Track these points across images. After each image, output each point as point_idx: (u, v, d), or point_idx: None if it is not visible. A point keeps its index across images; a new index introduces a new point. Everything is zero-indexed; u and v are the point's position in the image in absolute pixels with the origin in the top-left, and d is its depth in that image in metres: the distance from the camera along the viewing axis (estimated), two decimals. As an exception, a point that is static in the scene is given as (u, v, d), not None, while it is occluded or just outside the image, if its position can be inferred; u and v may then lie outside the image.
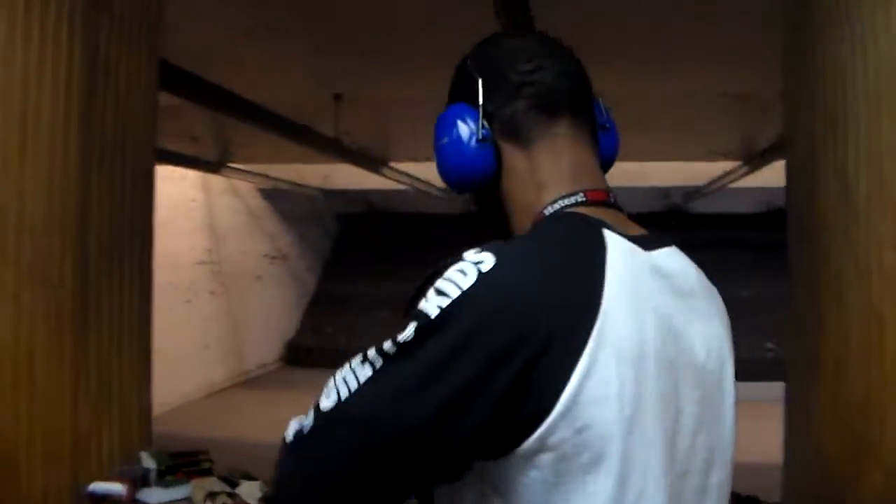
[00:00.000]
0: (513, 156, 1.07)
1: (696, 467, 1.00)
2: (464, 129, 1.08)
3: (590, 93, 1.11)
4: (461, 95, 1.11)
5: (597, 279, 0.93)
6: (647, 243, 1.01)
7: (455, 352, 0.86)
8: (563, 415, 0.86)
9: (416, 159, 8.72)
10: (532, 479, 0.89)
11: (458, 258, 0.92)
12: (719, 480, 1.03)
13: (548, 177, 1.05)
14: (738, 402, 1.09)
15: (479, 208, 1.16)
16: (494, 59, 1.11)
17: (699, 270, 1.09)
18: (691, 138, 6.74)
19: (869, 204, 1.61)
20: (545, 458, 0.88)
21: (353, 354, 0.92)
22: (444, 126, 1.11)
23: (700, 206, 11.20)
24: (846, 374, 1.69)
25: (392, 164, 8.83)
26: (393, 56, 4.84)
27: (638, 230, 1.04)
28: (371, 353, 0.90)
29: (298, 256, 14.09)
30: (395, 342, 0.88)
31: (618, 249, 0.97)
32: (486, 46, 1.14)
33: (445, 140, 1.10)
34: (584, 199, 1.03)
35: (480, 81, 1.08)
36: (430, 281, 0.92)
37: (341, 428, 0.90)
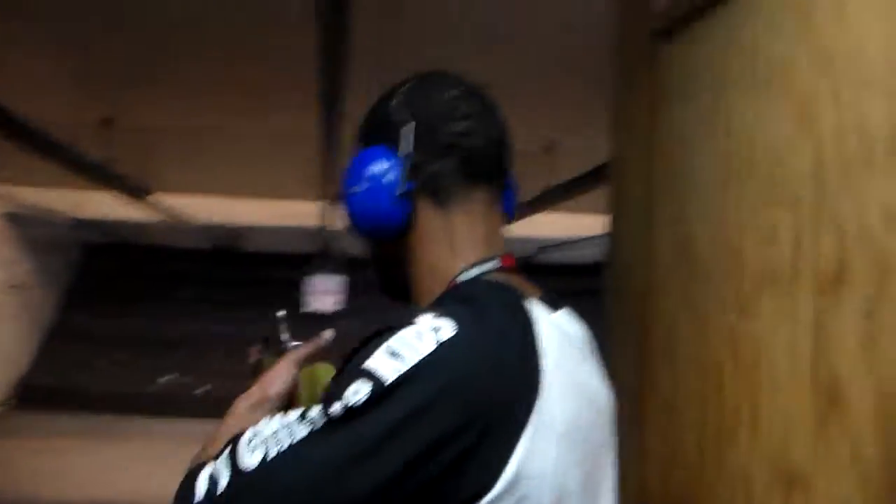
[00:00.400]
0: (428, 214, 1.06)
1: None
2: (386, 178, 1.03)
3: (510, 157, 1.07)
4: (382, 138, 1.06)
5: (535, 355, 0.95)
6: (551, 305, 1.01)
7: (408, 423, 0.84)
8: (505, 490, 0.87)
9: (178, 191, 8.43)
10: None
11: (411, 319, 0.88)
12: None
13: (463, 242, 1.06)
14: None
15: (374, 258, 1.13)
16: (427, 109, 1.06)
17: (581, 324, 1.12)
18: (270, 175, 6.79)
19: (713, 267, 1.64)
20: None
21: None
22: (364, 170, 1.04)
23: (253, 244, 11.50)
24: (676, 428, 1.71)
25: (154, 194, 8.49)
26: (164, 84, 4.60)
27: (538, 291, 1.03)
28: (313, 413, 0.85)
29: (38, 287, 13.07)
30: (344, 405, 0.83)
31: (543, 321, 0.99)
32: (418, 92, 1.08)
33: (364, 186, 1.04)
34: (499, 265, 1.05)
35: (411, 126, 1.03)
36: (379, 337, 0.82)
37: (269, 492, 0.82)
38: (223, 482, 0.84)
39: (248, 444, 0.85)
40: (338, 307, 10.43)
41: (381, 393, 0.84)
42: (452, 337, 0.87)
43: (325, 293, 10.42)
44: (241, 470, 0.83)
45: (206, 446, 1.04)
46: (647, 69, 2.04)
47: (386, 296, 1.16)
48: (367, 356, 0.87)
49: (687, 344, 1.75)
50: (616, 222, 2.15)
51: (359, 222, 1.07)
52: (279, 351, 1.29)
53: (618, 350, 2.07)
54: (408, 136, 1.03)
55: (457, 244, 1.05)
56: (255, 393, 1.12)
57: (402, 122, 1.04)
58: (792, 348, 1.45)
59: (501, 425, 0.86)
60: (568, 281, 12.78)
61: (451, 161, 1.05)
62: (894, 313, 1.24)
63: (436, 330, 0.88)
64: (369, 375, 0.85)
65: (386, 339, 0.88)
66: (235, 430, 0.96)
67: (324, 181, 5.26)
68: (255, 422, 0.90)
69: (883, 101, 1.28)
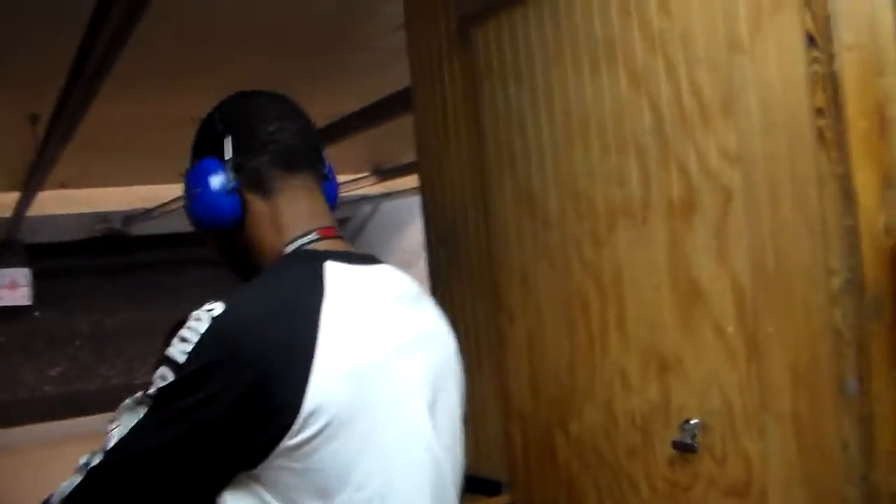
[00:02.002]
0: (257, 204, 1.25)
1: (452, 440, 1.29)
2: (215, 180, 1.24)
3: (320, 149, 1.35)
4: (209, 149, 1.27)
5: (317, 309, 1.14)
6: (364, 261, 1.28)
7: (201, 385, 1.06)
8: (306, 422, 1.07)
9: None
10: (287, 469, 1.09)
11: (197, 309, 1.10)
12: (460, 450, 1.33)
13: (287, 220, 1.25)
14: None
15: (224, 253, 1.33)
16: (241, 117, 1.28)
17: (409, 278, 1.37)
18: (166, 161, 6.75)
19: (564, 214, 2.01)
20: (295, 454, 1.08)
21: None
22: (197, 177, 1.26)
23: (141, 229, 11.12)
24: (542, 349, 2.07)
25: None
26: None
27: (349, 252, 1.27)
28: (139, 396, 1.10)
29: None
30: (157, 388, 1.08)
31: (337, 276, 1.19)
32: (232, 105, 1.31)
33: (199, 190, 1.25)
34: (318, 236, 1.25)
35: (229, 137, 1.25)
36: (175, 330, 1.10)
37: (121, 463, 1.10)
38: (95, 461, 1.11)
39: (111, 432, 1.11)
40: (26, 300, 9.62)
41: (178, 372, 1.07)
42: (222, 313, 1.08)
43: (12, 286, 9.54)
44: (108, 451, 1.10)
45: None
46: (459, 52, 2.36)
47: (244, 280, 1.33)
48: (167, 345, 1.10)
49: (546, 279, 2.12)
50: (434, 192, 2.46)
51: (199, 220, 1.28)
52: None
53: (462, 294, 2.39)
54: (228, 144, 1.24)
55: (281, 224, 1.25)
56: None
57: (223, 133, 1.26)
58: (651, 265, 1.87)
59: (287, 370, 1.07)
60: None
61: (267, 156, 1.25)
62: (737, 230, 1.69)
63: (209, 311, 1.08)
64: (167, 360, 1.08)
65: (180, 328, 1.09)
66: None
67: (28, 173, 4.94)
68: None
69: (710, 73, 1.72)
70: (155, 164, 5.89)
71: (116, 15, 2.48)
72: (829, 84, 1.51)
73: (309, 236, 1.25)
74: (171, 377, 1.08)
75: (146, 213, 7.95)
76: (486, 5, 2.20)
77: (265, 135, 1.27)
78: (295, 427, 1.07)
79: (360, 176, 8.01)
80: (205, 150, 1.30)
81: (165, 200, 6.95)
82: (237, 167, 1.25)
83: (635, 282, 1.91)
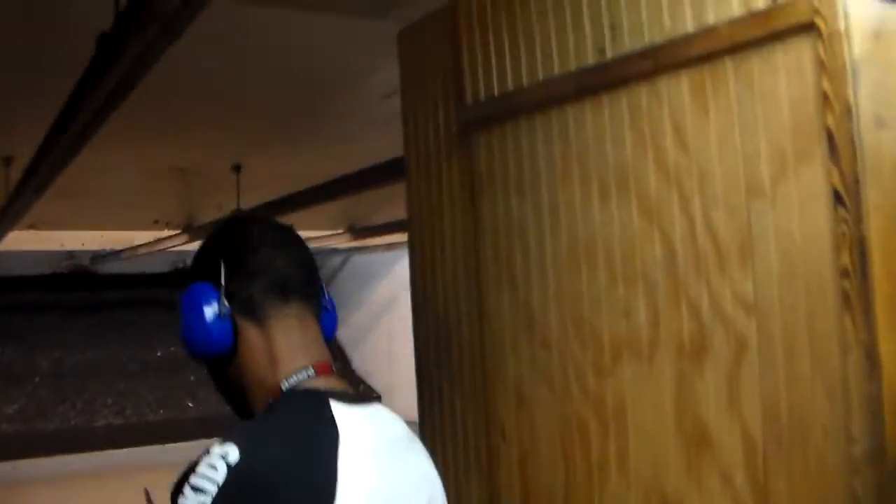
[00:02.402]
0: (249, 331, 1.23)
1: None
2: (208, 306, 1.21)
3: (317, 279, 1.32)
4: (205, 274, 1.25)
5: (331, 456, 1.11)
6: (360, 400, 1.25)
7: None
8: None
9: None
10: None
11: (206, 452, 1.04)
12: None
13: (281, 352, 1.22)
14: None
15: (217, 381, 1.30)
16: (236, 245, 1.27)
17: (400, 419, 1.34)
18: (141, 208, 6.72)
19: (565, 338, 1.95)
20: None
21: None
22: (191, 302, 1.23)
23: (108, 269, 11.03)
24: (536, 471, 2.01)
25: None
26: None
27: (352, 389, 1.28)
28: None
29: None
30: None
31: (345, 417, 1.17)
32: (228, 232, 1.31)
33: (192, 315, 1.22)
34: (313, 372, 1.21)
35: (223, 264, 1.23)
36: (186, 476, 1.04)
37: None
38: None
39: None
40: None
41: None
42: (239, 460, 1.03)
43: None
44: None
45: None
46: (459, 153, 2.31)
47: (240, 417, 1.31)
48: (176, 495, 1.04)
49: (542, 401, 2.06)
50: (426, 288, 2.40)
51: (191, 346, 1.25)
52: None
53: (452, 401, 2.33)
54: (222, 270, 1.22)
55: (276, 356, 1.22)
56: None
57: (217, 260, 1.24)
58: (656, 403, 1.81)
59: None
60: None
61: (260, 283, 1.23)
62: (750, 379, 1.64)
63: (224, 456, 1.03)
64: None
65: (189, 476, 1.04)
66: None
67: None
68: None
69: (728, 214, 1.68)
70: (130, 211, 5.80)
71: (111, 81, 2.40)
72: (855, 246, 1.47)
73: (306, 371, 1.22)
74: None
75: (114, 254, 7.83)
76: (488, 114, 2.15)
77: (261, 261, 1.26)
78: None
79: (334, 233, 8.02)
80: (200, 274, 1.28)
81: (136, 244, 6.86)
82: (231, 294, 1.23)
83: (639, 417, 1.85)
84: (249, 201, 5.32)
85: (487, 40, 2.15)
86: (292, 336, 1.25)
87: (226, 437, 1.08)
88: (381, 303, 12.52)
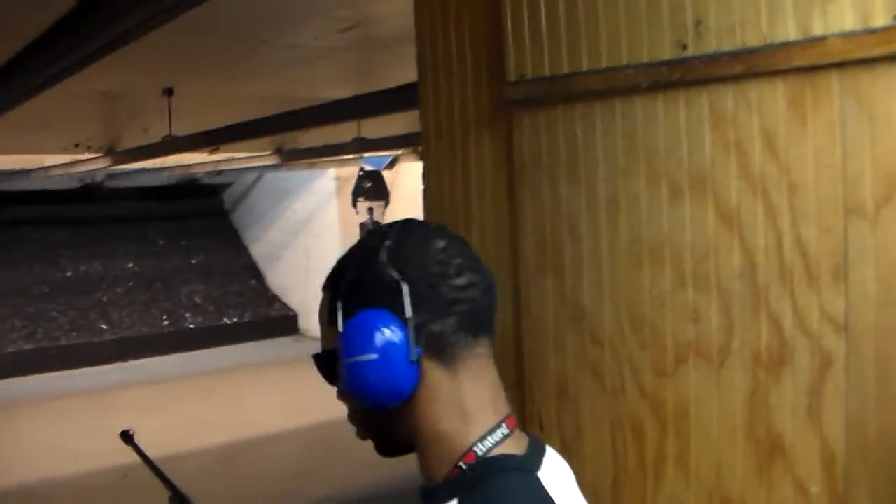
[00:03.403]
0: (436, 376, 1.03)
1: None
2: (394, 345, 1.00)
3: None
4: (378, 300, 1.02)
5: None
6: (541, 450, 1.10)
7: None
8: None
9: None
10: None
11: None
12: None
13: (473, 405, 1.04)
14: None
15: (371, 424, 1.10)
16: (421, 266, 1.03)
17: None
18: (60, 133, 6.17)
19: (621, 335, 1.93)
20: None
21: None
22: (367, 338, 1.01)
23: (14, 185, 10.27)
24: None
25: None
26: None
27: (534, 440, 1.10)
28: None
29: None
30: None
31: (553, 489, 1.05)
32: (405, 248, 1.05)
33: (372, 356, 1.00)
34: (508, 431, 1.04)
35: (407, 288, 1.01)
36: None
37: None
38: None
39: None
40: None
41: None
42: None
43: None
44: None
45: None
46: (493, 131, 2.20)
47: (384, 456, 1.13)
48: None
49: (590, 396, 2.04)
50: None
51: (368, 392, 1.03)
52: None
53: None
54: (407, 298, 1.00)
55: (468, 409, 1.03)
56: None
57: (398, 283, 1.01)
58: (725, 409, 1.82)
59: None
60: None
61: (453, 318, 1.02)
62: (834, 394, 1.67)
63: None
64: None
65: None
66: None
67: None
68: None
69: (821, 232, 1.67)
70: (50, 136, 5.32)
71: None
72: (971, 282, 1.49)
73: (499, 432, 1.03)
74: None
75: (23, 172, 7.27)
76: (537, 94, 2.04)
77: (452, 290, 1.02)
78: None
79: (261, 154, 7.63)
80: (365, 298, 1.03)
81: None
82: (416, 328, 1.00)
83: (704, 420, 1.86)
84: (181, 128, 4.94)
85: (538, 15, 2.02)
86: (484, 384, 1.05)
87: None
88: (298, 220, 12.22)
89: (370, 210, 9.66)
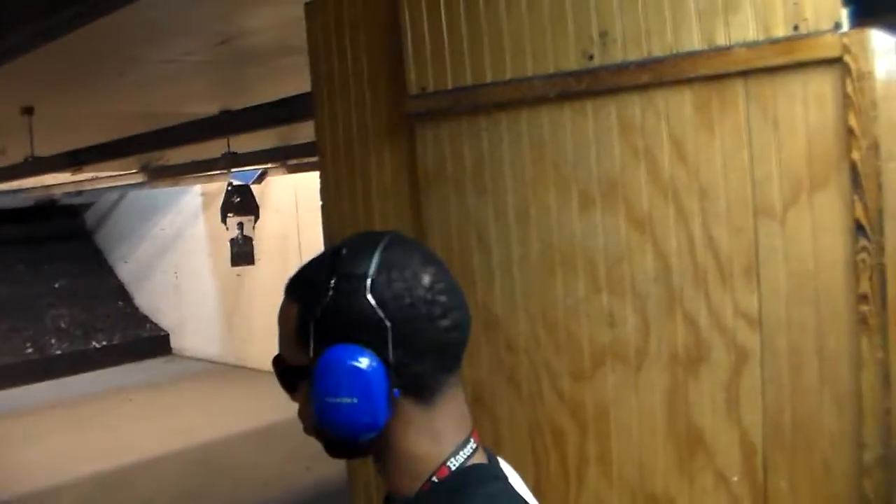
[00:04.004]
0: (411, 409, 1.03)
1: None
2: (373, 387, 0.98)
3: None
4: (357, 335, 0.99)
5: None
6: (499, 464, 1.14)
7: None
8: None
9: None
10: None
11: None
12: None
13: (443, 427, 1.05)
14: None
15: (338, 449, 1.10)
16: (408, 305, 1.00)
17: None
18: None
19: (537, 342, 1.97)
20: None
21: None
22: (346, 379, 0.98)
23: None
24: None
25: None
26: None
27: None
28: None
29: None
30: None
31: (522, 491, 1.10)
32: (392, 279, 1.01)
33: (350, 400, 0.98)
34: (475, 445, 1.07)
35: (390, 328, 0.98)
36: None
37: None
38: None
39: None
40: None
41: None
42: None
43: None
44: None
45: None
46: (393, 143, 2.18)
47: (332, 457, 1.12)
48: None
49: (507, 404, 2.06)
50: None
51: (338, 430, 1.01)
52: None
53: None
54: (388, 338, 0.98)
55: (439, 431, 1.05)
56: None
57: (382, 323, 0.98)
58: (644, 409, 1.87)
59: None
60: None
61: (433, 360, 1.01)
62: (751, 388, 1.74)
63: None
64: None
65: None
66: None
67: None
68: None
69: (732, 233, 1.73)
70: None
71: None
72: (876, 274, 1.57)
73: (468, 446, 1.06)
74: None
75: None
76: (440, 107, 2.04)
77: (437, 332, 1.01)
78: None
79: (127, 172, 7.29)
80: (345, 330, 0.99)
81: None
82: (396, 367, 0.99)
83: (624, 421, 1.90)
84: (43, 148, 4.66)
85: (439, 27, 2.02)
86: (454, 408, 1.07)
87: None
88: (165, 238, 11.77)
89: (240, 225, 9.44)
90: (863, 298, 1.60)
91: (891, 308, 1.60)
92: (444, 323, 1.02)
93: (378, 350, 0.98)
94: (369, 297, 0.98)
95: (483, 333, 2.09)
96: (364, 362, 0.98)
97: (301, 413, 1.10)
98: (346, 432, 1.02)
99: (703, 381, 1.79)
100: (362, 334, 0.98)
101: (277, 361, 1.10)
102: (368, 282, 0.99)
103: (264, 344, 10.49)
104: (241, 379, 9.91)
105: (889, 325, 1.59)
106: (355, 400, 0.98)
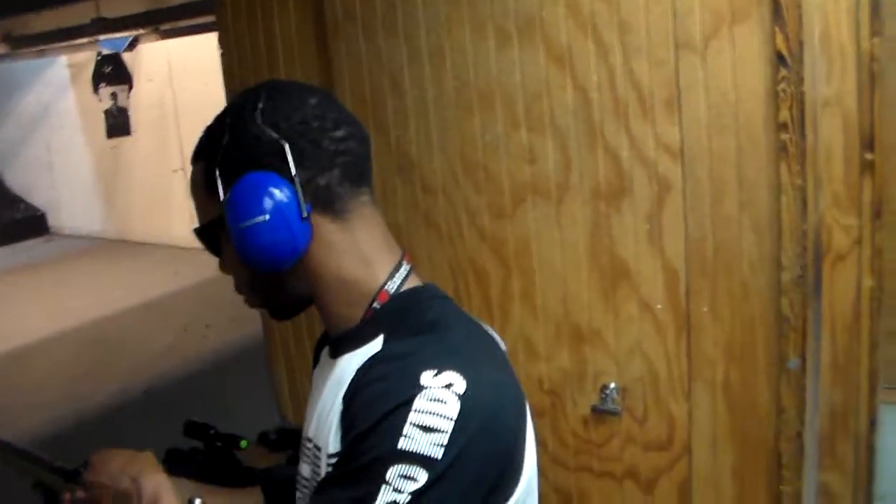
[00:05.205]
0: (328, 229, 1.04)
1: None
2: (283, 205, 0.99)
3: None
4: (258, 163, 1.01)
5: (509, 365, 1.06)
6: None
7: (467, 473, 0.91)
8: (521, 488, 1.00)
9: None
10: None
11: (418, 385, 0.91)
12: None
13: (371, 249, 1.06)
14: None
15: (262, 287, 1.09)
16: (297, 124, 1.02)
17: None
18: None
19: (455, 182, 1.96)
20: None
21: None
22: (256, 200, 1.00)
23: None
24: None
25: None
26: None
27: None
28: None
29: None
30: (409, 493, 0.88)
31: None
32: (277, 107, 1.04)
33: (262, 219, 0.99)
34: (409, 267, 1.08)
35: (288, 147, 1.00)
36: (392, 415, 0.90)
37: None
38: None
39: None
40: None
41: (436, 470, 0.88)
42: (467, 388, 0.91)
43: None
44: None
45: None
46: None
47: (279, 320, 1.15)
48: (394, 436, 0.89)
49: (427, 245, 2.07)
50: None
51: (262, 254, 1.02)
52: None
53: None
54: (289, 156, 0.99)
55: (367, 254, 1.05)
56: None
57: (279, 143, 1.00)
58: (567, 243, 1.91)
59: (522, 436, 1.00)
60: None
61: (337, 170, 1.03)
62: (673, 218, 1.78)
63: (449, 386, 0.91)
64: (416, 457, 0.88)
65: (405, 415, 0.89)
66: None
67: None
68: None
69: (653, 66, 1.74)
70: None
71: None
72: (795, 103, 1.61)
73: (403, 269, 1.06)
74: (423, 477, 0.87)
75: None
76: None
77: (333, 142, 1.03)
78: (515, 492, 0.98)
79: None
80: (247, 162, 1.01)
81: None
82: (303, 185, 1.00)
83: (547, 256, 1.93)
84: None
85: None
86: (375, 228, 1.06)
87: (435, 366, 0.91)
88: (34, 113, 10.98)
89: (113, 95, 8.95)
90: (783, 127, 1.63)
91: (810, 138, 1.64)
92: (339, 133, 1.03)
93: (281, 170, 1.00)
94: (260, 123, 1.01)
95: (398, 175, 2.07)
96: (267, 179, 1.00)
97: (231, 271, 1.11)
98: (268, 256, 1.02)
99: (626, 213, 1.82)
100: (263, 159, 1.00)
101: (198, 231, 1.10)
102: (258, 112, 1.02)
103: (146, 216, 10.13)
104: (124, 253, 9.61)
105: (807, 152, 1.64)
106: (266, 217, 0.99)
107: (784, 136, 1.63)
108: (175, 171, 8.57)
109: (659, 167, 1.76)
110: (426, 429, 0.88)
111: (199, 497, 1.14)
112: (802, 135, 1.62)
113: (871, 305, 2.72)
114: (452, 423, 0.89)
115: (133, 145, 9.37)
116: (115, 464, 1.18)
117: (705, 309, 1.79)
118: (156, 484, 1.13)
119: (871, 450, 2.84)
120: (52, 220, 11.26)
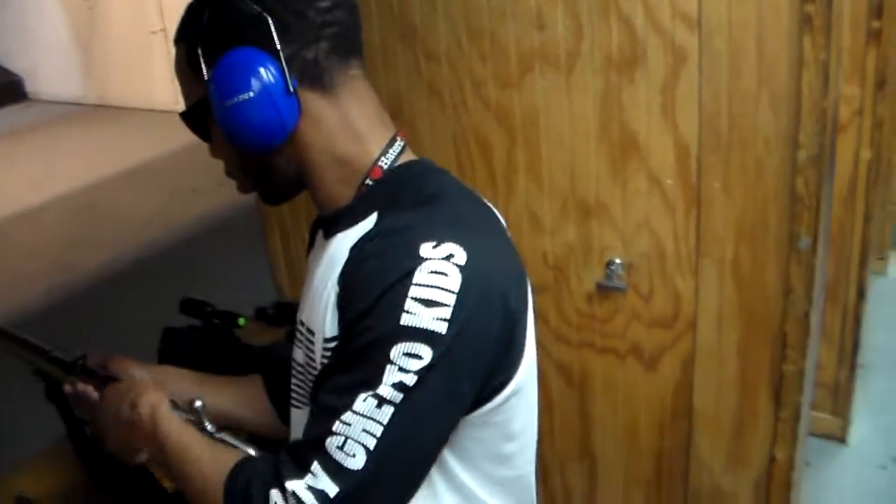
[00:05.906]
0: (317, 104, 0.99)
1: None
2: (267, 80, 0.95)
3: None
4: (241, 38, 0.96)
5: (508, 237, 1.06)
6: None
7: (469, 353, 0.90)
8: (524, 366, 0.99)
9: None
10: (484, 420, 0.97)
11: (417, 258, 0.87)
12: None
13: (363, 125, 1.02)
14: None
15: (253, 169, 1.06)
16: None
17: None
18: None
19: (459, 49, 1.87)
20: (502, 404, 0.98)
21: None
22: (240, 77, 0.95)
23: None
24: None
25: None
26: None
27: None
28: (383, 390, 0.86)
29: None
30: (415, 372, 0.86)
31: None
32: None
33: (246, 96, 0.95)
34: (403, 143, 1.04)
35: (271, 21, 0.95)
36: (391, 290, 0.87)
37: (390, 476, 0.89)
38: (335, 490, 0.86)
39: (341, 448, 0.86)
40: None
41: (444, 342, 0.86)
42: (468, 259, 0.88)
43: None
44: (353, 473, 0.86)
45: (193, 461, 1.01)
46: None
47: (272, 205, 1.12)
48: (395, 313, 0.85)
49: (427, 114, 1.99)
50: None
51: (250, 132, 0.98)
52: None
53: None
54: (272, 30, 0.94)
55: (359, 130, 1.01)
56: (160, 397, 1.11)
57: (261, 16, 0.95)
58: (576, 113, 1.84)
59: (525, 307, 0.98)
60: None
61: (324, 42, 0.97)
62: (687, 90, 1.71)
63: (449, 258, 0.87)
64: (419, 333, 0.85)
65: (405, 289, 0.86)
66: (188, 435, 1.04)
67: None
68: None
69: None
70: None
71: None
72: (824, -27, 1.52)
73: (398, 144, 1.03)
74: (428, 354, 0.85)
75: None
76: None
77: (319, 13, 0.97)
78: (518, 369, 0.97)
79: None
80: (228, 38, 0.97)
81: None
82: (288, 59, 0.95)
83: (554, 127, 1.87)
84: None
85: None
86: (367, 103, 1.03)
87: (435, 237, 0.88)
88: (19, 23, 10.47)
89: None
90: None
91: (838, 12, 1.55)
92: (324, 3, 0.98)
93: (264, 44, 0.95)
94: None
95: (399, 42, 1.97)
96: (250, 54, 0.95)
97: (221, 154, 1.08)
98: (255, 134, 0.98)
99: (639, 84, 1.75)
100: (246, 35, 0.96)
101: (184, 114, 1.07)
102: None
103: (126, 78, 9.78)
104: (106, 118, 9.33)
105: (832, 25, 1.55)
106: (251, 94, 0.95)
107: (809, 8, 1.54)
108: (154, 32, 8.26)
109: (675, 37, 1.68)
110: (428, 303, 0.86)
111: (200, 399, 1.11)
112: (829, 6, 1.53)
113: (868, 177, 2.70)
114: (454, 296, 0.86)
115: (108, 6, 9.02)
116: (113, 394, 1.18)
117: (717, 185, 1.74)
118: (153, 400, 1.12)
119: (857, 321, 2.87)
120: (30, 86, 10.93)
